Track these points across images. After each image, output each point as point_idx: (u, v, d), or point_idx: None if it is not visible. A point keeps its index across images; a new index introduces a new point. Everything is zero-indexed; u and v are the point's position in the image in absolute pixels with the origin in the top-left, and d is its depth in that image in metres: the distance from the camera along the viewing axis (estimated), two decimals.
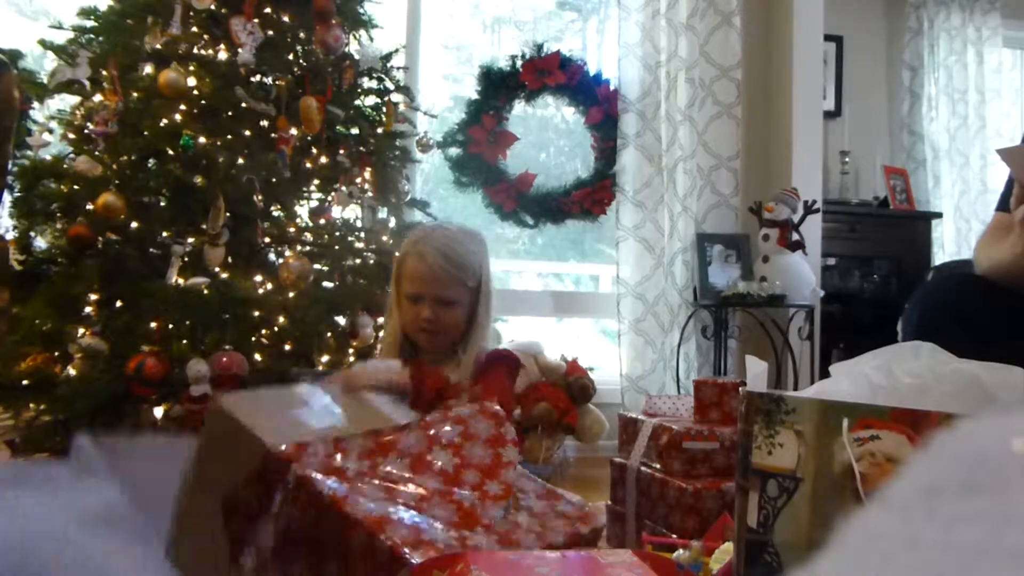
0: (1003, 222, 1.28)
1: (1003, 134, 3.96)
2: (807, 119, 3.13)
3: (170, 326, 1.90)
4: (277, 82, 2.12)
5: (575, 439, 2.86)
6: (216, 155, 1.98)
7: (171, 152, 1.99)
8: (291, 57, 2.21)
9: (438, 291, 1.37)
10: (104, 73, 2.02)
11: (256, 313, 1.97)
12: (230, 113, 2.06)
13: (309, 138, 2.14)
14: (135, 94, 2.02)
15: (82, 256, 1.92)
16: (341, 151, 2.22)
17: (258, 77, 2.12)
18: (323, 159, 2.19)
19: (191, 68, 2.05)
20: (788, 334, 2.90)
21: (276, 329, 2.01)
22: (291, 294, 2.01)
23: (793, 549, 0.82)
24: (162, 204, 2.02)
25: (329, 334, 2.05)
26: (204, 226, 1.94)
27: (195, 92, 2.03)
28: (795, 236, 2.89)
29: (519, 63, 3.17)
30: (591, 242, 3.74)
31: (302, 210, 2.23)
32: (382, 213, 2.31)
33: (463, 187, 3.18)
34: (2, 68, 2.03)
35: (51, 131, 2.10)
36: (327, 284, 2.14)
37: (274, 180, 2.04)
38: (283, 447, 0.99)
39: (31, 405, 1.89)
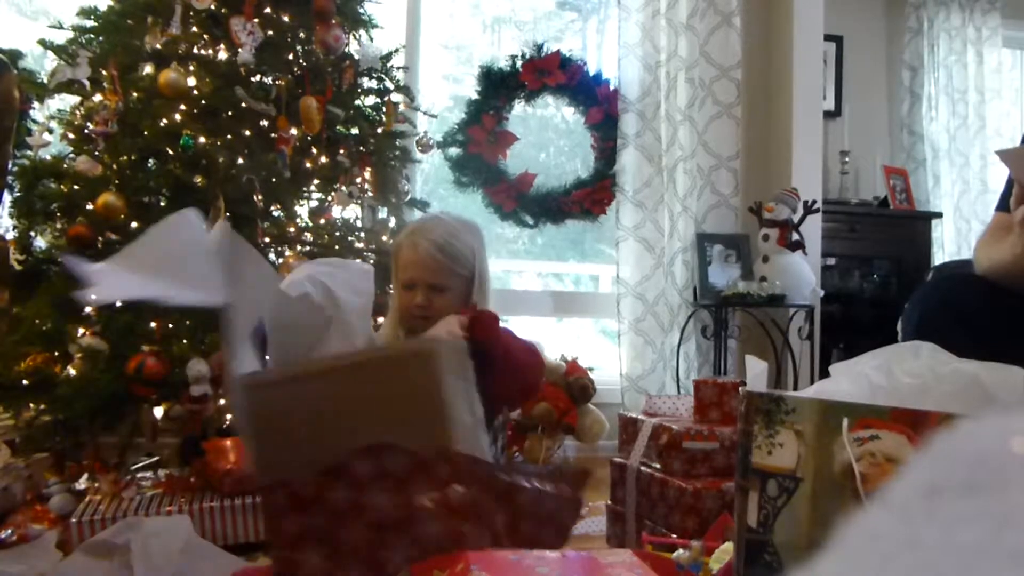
0: (1003, 222, 1.28)
1: (1003, 134, 3.96)
2: (807, 119, 3.13)
3: (170, 326, 1.90)
4: (277, 82, 2.12)
5: (575, 439, 2.86)
6: (216, 155, 1.98)
7: (171, 152, 1.99)
8: (291, 57, 2.21)
9: (429, 278, 1.41)
10: (104, 73, 2.02)
11: None
12: (230, 113, 2.06)
13: (309, 138, 2.14)
14: (135, 94, 2.02)
15: (82, 256, 1.92)
16: (341, 151, 2.22)
17: (258, 77, 2.12)
18: (323, 159, 2.19)
19: (191, 68, 2.05)
20: (788, 334, 2.90)
21: None
22: None
23: (793, 549, 0.82)
24: (162, 204, 2.02)
25: None
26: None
27: (195, 92, 2.03)
28: (795, 236, 2.89)
29: (519, 63, 3.17)
30: (591, 242, 3.74)
31: (302, 210, 2.23)
32: (382, 213, 2.31)
33: (463, 187, 3.18)
34: (2, 68, 2.03)
35: (51, 131, 2.10)
36: None
37: (274, 180, 2.04)
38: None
39: (31, 405, 1.89)
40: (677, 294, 3.02)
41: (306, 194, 2.25)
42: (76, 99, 2.10)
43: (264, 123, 2.08)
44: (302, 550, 1.02)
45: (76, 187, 1.95)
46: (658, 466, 1.66)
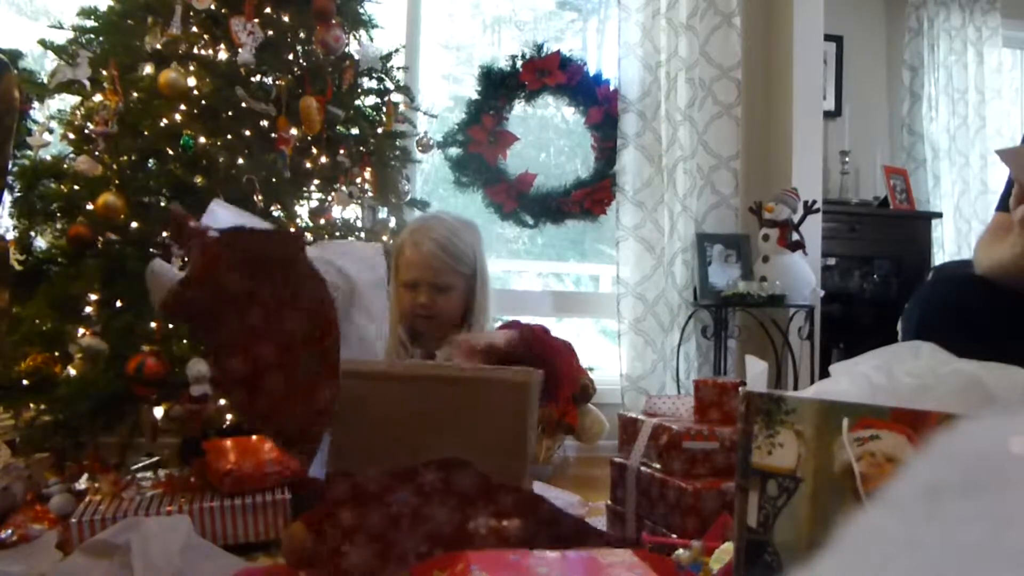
0: (1003, 222, 1.28)
1: (1003, 134, 3.96)
2: (807, 119, 3.12)
3: (170, 326, 1.90)
4: (277, 82, 2.12)
5: (575, 439, 2.86)
6: (216, 155, 1.98)
7: (171, 152, 1.99)
8: (291, 57, 2.21)
9: (432, 278, 1.41)
10: (104, 73, 2.02)
11: None
12: (230, 113, 2.06)
13: (309, 138, 2.14)
14: (135, 94, 2.02)
15: (82, 256, 1.92)
16: (341, 151, 2.22)
17: (258, 77, 2.12)
18: (323, 159, 2.19)
19: (191, 68, 2.05)
20: (788, 334, 2.90)
21: None
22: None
23: (793, 549, 0.81)
24: (162, 204, 2.02)
25: None
26: None
27: (195, 92, 2.03)
28: (795, 236, 2.89)
29: (519, 63, 3.17)
30: (591, 242, 3.74)
31: (302, 210, 2.23)
32: (382, 213, 2.31)
33: (463, 187, 3.18)
34: (2, 68, 2.03)
35: (51, 131, 2.10)
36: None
37: (274, 180, 2.04)
38: None
39: (31, 405, 1.89)
40: (677, 294, 3.02)
41: (306, 194, 2.25)
42: (76, 99, 2.10)
43: (264, 123, 2.08)
44: (354, 543, 1.03)
45: (76, 187, 1.95)
46: (658, 466, 1.66)
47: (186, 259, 1.24)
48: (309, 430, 1.13)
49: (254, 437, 1.93)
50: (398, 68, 2.46)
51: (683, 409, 1.85)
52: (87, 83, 2.03)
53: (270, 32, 2.13)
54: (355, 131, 2.28)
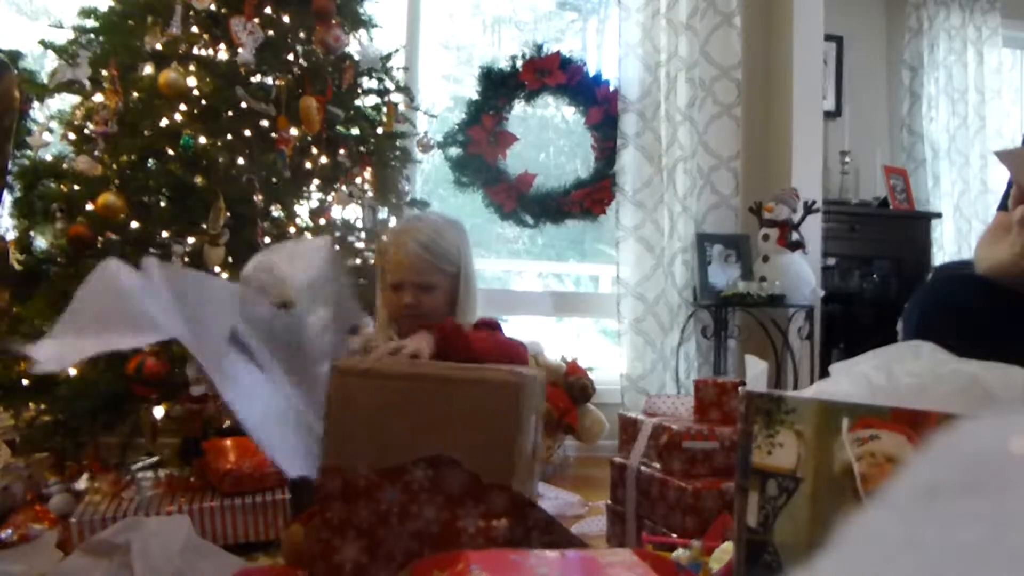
0: (1004, 222, 1.27)
1: (1003, 134, 3.96)
2: (807, 119, 3.12)
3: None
4: (277, 82, 2.12)
5: (575, 439, 2.86)
6: (216, 155, 1.98)
7: (171, 152, 1.99)
8: (291, 57, 2.21)
9: (416, 278, 1.42)
10: (104, 73, 2.02)
11: None
12: (230, 113, 2.06)
13: (309, 138, 2.14)
14: (135, 94, 2.02)
15: (82, 256, 1.92)
16: (341, 151, 2.22)
17: (258, 77, 2.12)
18: (323, 159, 2.19)
19: (191, 68, 2.05)
20: (788, 334, 2.90)
21: None
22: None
23: (793, 549, 0.81)
24: (162, 204, 2.02)
25: None
26: (204, 226, 1.94)
27: (195, 92, 2.03)
28: (795, 236, 2.89)
29: (519, 63, 3.17)
30: (591, 242, 3.74)
31: (302, 210, 2.23)
32: (382, 213, 2.31)
33: (463, 187, 3.18)
34: (2, 68, 2.03)
35: (51, 131, 2.10)
36: None
37: (274, 180, 2.04)
38: None
39: (31, 405, 1.89)
40: (677, 294, 3.02)
41: (306, 194, 2.25)
42: (76, 99, 2.10)
43: (264, 123, 2.08)
44: (343, 537, 1.04)
45: (76, 187, 1.95)
46: (658, 466, 1.66)
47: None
48: None
49: None
50: (398, 68, 2.46)
51: (683, 409, 1.85)
52: (87, 83, 2.03)
53: (270, 32, 2.13)
54: (355, 131, 2.28)
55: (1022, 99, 4.32)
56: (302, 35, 2.20)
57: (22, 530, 1.62)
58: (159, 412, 1.94)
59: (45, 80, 2.11)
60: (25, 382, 1.89)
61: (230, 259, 2.01)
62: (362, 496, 1.05)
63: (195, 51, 2.09)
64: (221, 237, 1.95)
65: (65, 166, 1.99)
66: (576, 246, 3.80)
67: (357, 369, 1.15)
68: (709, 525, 1.38)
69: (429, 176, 3.52)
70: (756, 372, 0.94)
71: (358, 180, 2.24)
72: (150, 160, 2.03)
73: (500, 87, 3.16)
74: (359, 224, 2.25)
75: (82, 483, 1.90)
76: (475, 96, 3.17)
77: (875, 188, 3.73)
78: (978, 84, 3.90)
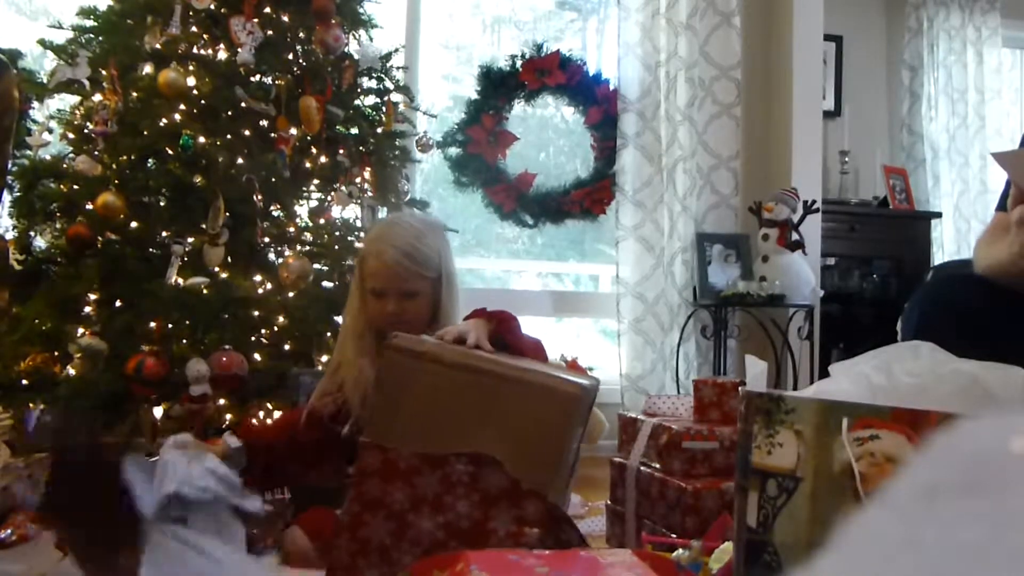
0: (1003, 222, 1.27)
1: (1003, 134, 3.96)
2: (807, 119, 3.12)
3: (170, 326, 1.90)
4: (277, 82, 2.12)
5: None
6: (216, 155, 1.97)
7: (171, 152, 1.99)
8: (291, 57, 2.21)
9: (399, 285, 1.40)
10: (104, 73, 2.02)
11: (256, 313, 1.97)
12: (230, 113, 2.06)
13: (309, 138, 2.14)
14: (135, 94, 2.02)
15: (82, 256, 1.92)
16: (341, 151, 2.22)
17: (258, 77, 2.12)
18: (323, 159, 2.19)
19: (191, 68, 2.05)
20: (788, 334, 2.90)
21: (276, 329, 2.01)
22: (291, 294, 2.00)
23: (793, 549, 0.81)
24: (162, 204, 2.02)
25: (329, 334, 2.05)
26: (204, 226, 1.94)
27: (195, 92, 2.03)
28: (795, 236, 2.89)
29: (519, 63, 3.17)
30: (591, 242, 3.74)
31: (302, 210, 2.23)
32: (382, 213, 2.31)
33: (463, 187, 3.18)
34: (2, 68, 2.03)
35: (51, 131, 2.10)
36: (327, 284, 2.14)
37: (274, 180, 2.04)
38: None
39: (31, 405, 1.89)
40: (677, 294, 3.02)
41: (306, 194, 2.25)
42: (76, 99, 2.10)
43: (264, 123, 2.08)
44: (373, 514, 1.03)
45: (76, 187, 1.95)
46: (658, 466, 1.66)
47: None
48: None
49: None
50: (398, 68, 2.45)
51: (683, 409, 1.85)
52: (87, 83, 2.03)
53: (270, 32, 2.13)
54: (355, 131, 2.28)
55: (1022, 99, 4.32)
56: (302, 35, 2.20)
57: (22, 530, 1.62)
58: (159, 412, 1.94)
59: (45, 80, 2.11)
60: (25, 382, 1.89)
61: (229, 259, 2.01)
62: (400, 478, 1.04)
63: (195, 51, 2.09)
64: (221, 237, 1.95)
65: (65, 166, 1.99)
66: (576, 246, 3.80)
67: (413, 350, 1.12)
68: (709, 525, 1.38)
69: (429, 176, 3.52)
70: (756, 372, 0.94)
71: (358, 180, 2.24)
72: (150, 160, 2.03)
73: (500, 87, 3.16)
74: (359, 224, 2.25)
75: None
76: (475, 96, 3.17)
77: (875, 188, 3.73)
78: (978, 84, 3.90)
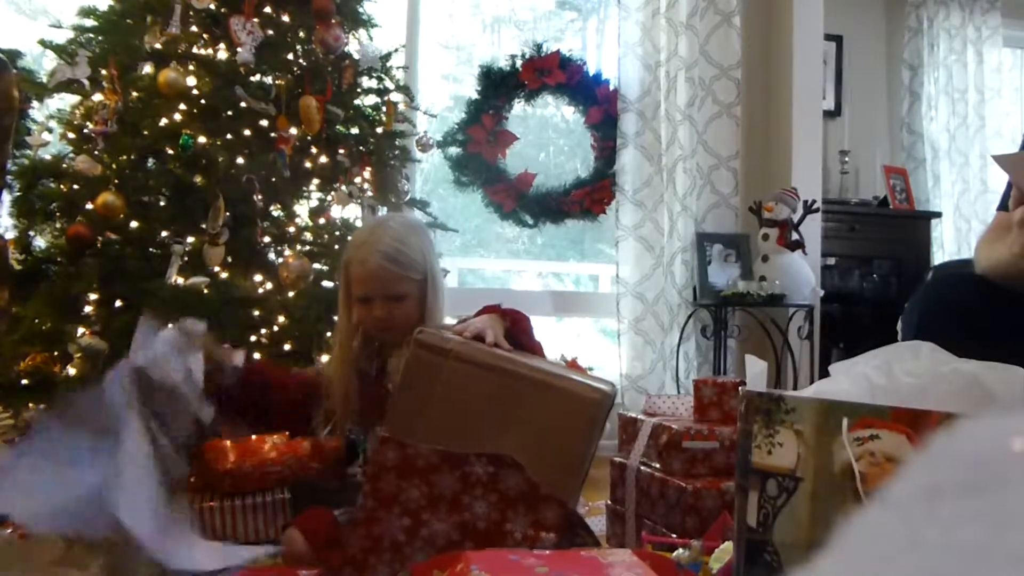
0: (1004, 222, 1.27)
1: (1003, 134, 3.96)
2: (807, 119, 3.12)
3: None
4: (277, 82, 2.12)
5: None
6: (216, 155, 1.97)
7: (171, 152, 1.99)
8: (291, 57, 2.21)
9: (384, 290, 1.40)
10: (104, 73, 2.02)
11: (256, 313, 1.97)
12: (230, 113, 2.06)
13: (309, 138, 2.14)
14: (135, 94, 2.02)
15: (82, 256, 1.92)
16: (341, 151, 2.21)
17: (258, 77, 2.12)
18: (323, 159, 2.19)
19: (191, 68, 2.05)
20: (788, 334, 2.90)
21: (276, 328, 2.01)
22: (291, 294, 2.00)
23: (793, 549, 0.81)
24: (162, 204, 2.02)
25: (328, 333, 2.05)
26: (204, 226, 1.94)
27: (195, 92, 2.03)
28: (795, 236, 2.89)
29: (519, 63, 3.17)
30: (591, 242, 3.74)
31: (302, 210, 2.23)
32: (382, 212, 2.31)
33: (463, 187, 3.18)
34: (2, 68, 2.03)
35: (51, 131, 2.10)
36: (327, 284, 2.14)
37: (274, 180, 2.04)
38: None
39: (31, 405, 1.89)
40: (677, 294, 3.02)
41: (306, 194, 2.24)
42: (76, 99, 2.10)
43: (264, 123, 2.07)
44: (388, 511, 1.03)
45: (76, 187, 1.95)
46: (658, 466, 1.66)
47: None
48: None
49: (254, 437, 1.93)
50: (398, 68, 2.45)
51: (683, 409, 1.85)
52: (86, 83, 2.02)
53: (270, 32, 2.13)
54: (355, 131, 2.28)
55: (1022, 99, 4.32)
56: (302, 35, 2.20)
57: (22, 530, 1.62)
58: None
59: (45, 79, 2.11)
60: (25, 382, 1.89)
61: (229, 259, 2.00)
62: (417, 475, 1.04)
63: (195, 51, 2.09)
64: (221, 237, 1.95)
65: (65, 166, 1.99)
66: (576, 246, 3.80)
67: (439, 347, 1.12)
68: (709, 525, 1.38)
69: (429, 176, 3.52)
70: (756, 372, 0.94)
71: (358, 180, 2.24)
72: (150, 160, 2.03)
73: (500, 87, 3.16)
74: (359, 224, 2.25)
75: None
76: (475, 96, 3.17)
77: (875, 188, 3.73)
78: (978, 84, 3.90)
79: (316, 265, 2.11)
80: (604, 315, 3.34)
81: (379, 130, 2.34)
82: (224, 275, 1.97)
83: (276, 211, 2.14)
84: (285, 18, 2.19)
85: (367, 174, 2.28)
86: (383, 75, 2.39)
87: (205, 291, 1.92)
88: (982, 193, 3.82)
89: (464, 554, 0.85)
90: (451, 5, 3.60)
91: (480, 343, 1.18)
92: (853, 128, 3.70)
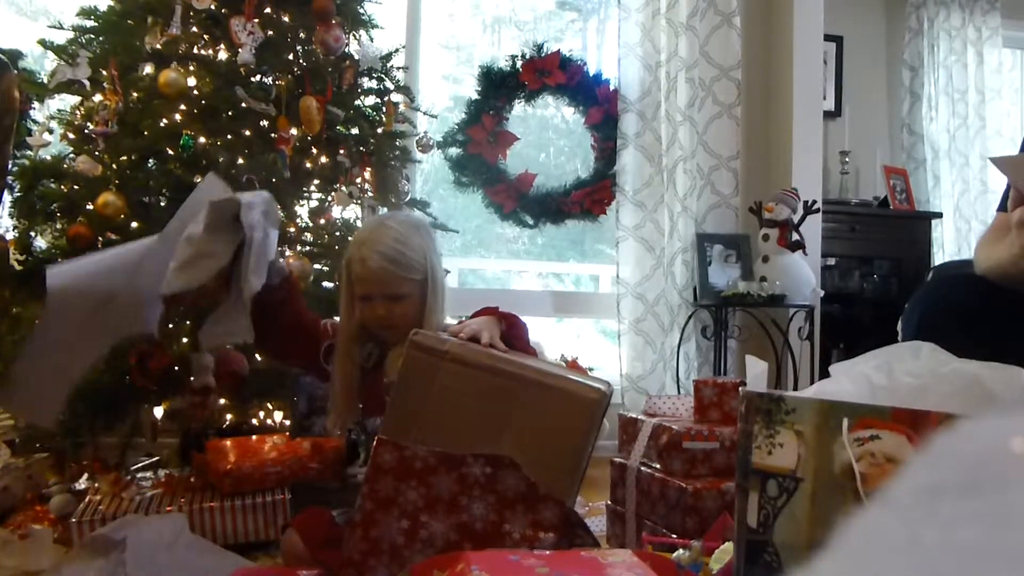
0: (1003, 223, 1.28)
1: (1003, 134, 3.96)
2: (807, 119, 3.12)
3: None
4: (277, 82, 2.12)
5: None
6: (216, 155, 1.97)
7: (171, 152, 1.99)
8: (291, 57, 2.21)
9: (385, 290, 1.40)
10: (104, 73, 2.02)
11: None
12: (230, 113, 2.06)
13: (309, 138, 2.14)
14: (135, 94, 2.02)
15: (82, 256, 1.92)
16: (341, 151, 2.22)
17: (258, 77, 2.12)
18: (323, 159, 2.19)
19: (191, 68, 2.05)
20: (788, 334, 2.90)
21: None
22: None
23: (793, 549, 0.81)
24: (162, 204, 2.02)
25: None
26: None
27: (195, 92, 2.03)
28: (795, 236, 2.89)
29: (519, 63, 3.17)
30: (591, 242, 3.74)
31: (302, 210, 2.23)
32: (382, 212, 2.31)
33: (463, 187, 3.18)
34: (2, 68, 2.03)
35: (51, 131, 2.10)
36: (327, 284, 2.14)
37: (274, 180, 2.04)
38: None
39: None
40: (677, 294, 3.02)
41: (306, 194, 2.25)
42: (76, 99, 2.10)
43: (264, 123, 2.08)
44: (385, 513, 1.03)
45: (76, 187, 1.95)
46: (658, 466, 1.66)
47: None
48: None
49: (254, 437, 1.93)
50: (398, 68, 2.45)
51: (683, 409, 1.85)
52: (87, 83, 2.03)
53: (270, 32, 2.13)
54: (355, 131, 2.28)
55: (1022, 99, 4.32)
56: (302, 35, 2.20)
57: (22, 530, 1.62)
58: (159, 412, 1.94)
59: (45, 80, 2.11)
60: None
61: None
62: (415, 477, 1.04)
63: (195, 51, 2.09)
64: None
65: (65, 166, 1.99)
66: (576, 246, 3.80)
67: (436, 349, 1.12)
68: (709, 525, 1.38)
69: (429, 176, 3.52)
70: (756, 372, 0.94)
71: (358, 180, 2.24)
72: (150, 160, 2.03)
73: (500, 87, 3.16)
74: (359, 224, 2.25)
75: (82, 483, 1.91)
76: (475, 96, 3.17)
77: (875, 188, 3.73)
78: (978, 84, 3.90)
79: (316, 265, 2.11)
80: (604, 316, 3.34)
81: (379, 130, 2.34)
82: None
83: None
84: (285, 19, 2.19)
85: (367, 174, 2.28)
86: (383, 75, 2.39)
87: None
88: (982, 193, 3.82)
89: (464, 554, 0.85)
90: (451, 5, 3.60)
91: (476, 344, 1.18)
92: (853, 128, 3.70)
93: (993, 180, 3.79)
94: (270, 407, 2.11)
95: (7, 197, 2.06)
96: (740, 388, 0.96)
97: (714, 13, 3.08)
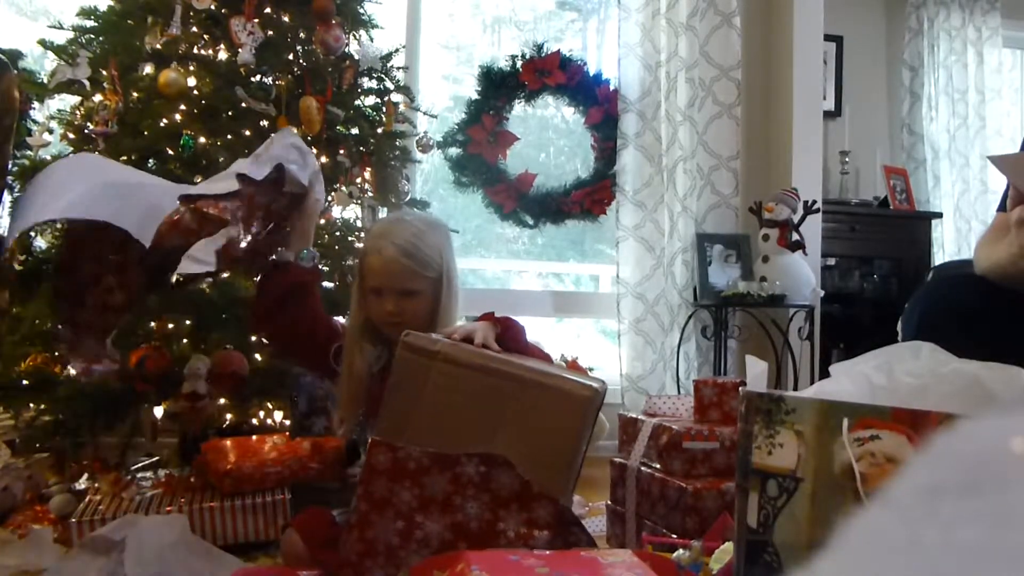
0: (1003, 222, 1.28)
1: (1003, 134, 3.96)
2: (807, 119, 3.12)
3: (170, 326, 1.90)
4: (277, 82, 2.12)
5: None
6: (216, 155, 1.97)
7: (171, 152, 1.99)
8: (291, 57, 2.21)
9: (398, 284, 1.40)
10: (104, 73, 2.02)
11: None
12: (230, 113, 2.06)
13: (309, 138, 2.14)
14: (135, 94, 2.02)
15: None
16: (341, 151, 2.22)
17: (258, 77, 2.12)
18: (323, 159, 2.19)
19: (191, 68, 2.05)
20: (788, 334, 2.90)
21: None
22: None
23: (793, 549, 0.81)
24: None
25: None
26: None
27: (195, 92, 2.03)
28: (795, 236, 2.89)
29: (519, 63, 3.17)
30: (591, 242, 3.74)
31: None
32: (382, 213, 2.31)
33: (463, 187, 3.18)
34: (2, 68, 2.03)
35: (51, 131, 2.10)
36: (327, 284, 2.14)
37: None
38: None
39: (31, 405, 1.89)
40: (677, 294, 3.02)
41: None
42: (76, 99, 2.10)
43: (264, 123, 2.08)
44: (380, 514, 1.03)
45: None
46: (658, 466, 1.66)
47: None
48: None
49: (254, 437, 1.93)
50: (398, 68, 2.45)
51: (683, 409, 1.85)
52: (87, 83, 2.03)
53: (270, 32, 2.13)
54: (355, 131, 2.28)
55: (1022, 99, 4.32)
56: (302, 35, 2.20)
57: (22, 530, 1.62)
58: (159, 412, 1.94)
59: (45, 80, 2.11)
60: (25, 382, 1.89)
61: None
62: (409, 477, 1.04)
63: (195, 51, 2.09)
64: None
65: None
66: (576, 246, 3.80)
67: (427, 350, 1.12)
68: (709, 525, 1.38)
69: (429, 176, 3.52)
70: (756, 372, 0.94)
71: (358, 180, 2.24)
72: (150, 160, 2.03)
73: (500, 87, 3.16)
74: (359, 224, 2.25)
75: (82, 483, 1.91)
76: (475, 96, 3.17)
77: (875, 188, 3.73)
78: (978, 84, 3.90)
79: None
80: (604, 315, 3.34)
81: (379, 130, 2.34)
82: (225, 275, 1.97)
83: None
84: (286, 19, 2.19)
85: (367, 174, 2.28)
86: (383, 75, 2.39)
87: (206, 291, 1.92)
88: (982, 193, 3.82)
89: (464, 554, 0.85)
90: (451, 6, 3.60)
91: (468, 344, 1.18)
92: (853, 128, 3.70)
93: (993, 180, 3.78)
94: (270, 407, 2.11)
95: (7, 197, 2.06)
96: (740, 388, 0.96)
97: (714, 13, 3.08)
